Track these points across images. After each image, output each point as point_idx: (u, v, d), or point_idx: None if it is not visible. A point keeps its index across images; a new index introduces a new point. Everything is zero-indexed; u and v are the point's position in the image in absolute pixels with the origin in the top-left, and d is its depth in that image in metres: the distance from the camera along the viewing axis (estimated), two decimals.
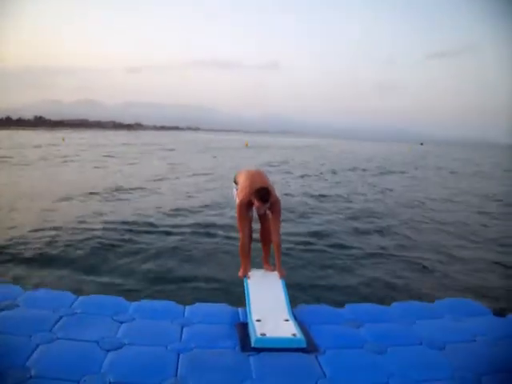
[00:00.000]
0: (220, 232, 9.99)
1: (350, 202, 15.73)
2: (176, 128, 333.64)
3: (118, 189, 16.18)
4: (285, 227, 7.67)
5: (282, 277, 4.51)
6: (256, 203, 4.40)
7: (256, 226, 4.94)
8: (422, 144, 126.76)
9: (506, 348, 3.67)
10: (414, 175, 28.26)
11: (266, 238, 4.87)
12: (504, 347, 3.68)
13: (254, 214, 4.82)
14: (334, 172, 27.63)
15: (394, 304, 4.53)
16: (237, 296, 4.95)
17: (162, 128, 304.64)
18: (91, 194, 14.79)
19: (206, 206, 13.39)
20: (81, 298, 4.13)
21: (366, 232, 10.97)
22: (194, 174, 23.00)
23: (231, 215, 11.14)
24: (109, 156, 33.93)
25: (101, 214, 11.42)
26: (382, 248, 9.51)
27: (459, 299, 4.88)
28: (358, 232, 10.94)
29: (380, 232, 11.01)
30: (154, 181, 19.46)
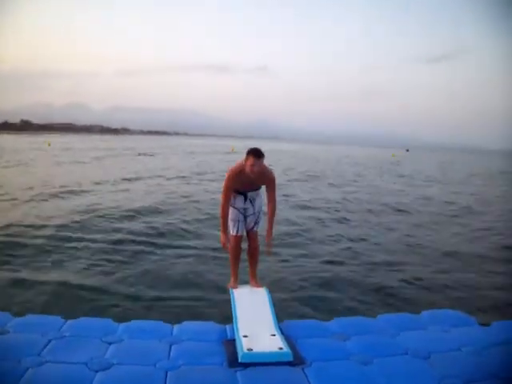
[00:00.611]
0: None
1: None
2: (164, 133, 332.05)
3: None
4: None
5: (269, 246, 4.76)
6: (251, 162, 4.42)
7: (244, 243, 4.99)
8: (407, 150, 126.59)
9: (491, 356, 3.72)
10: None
11: (253, 255, 4.93)
12: (489, 355, 3.73)
13: (244, 233, 4.89)
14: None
15: (380, 316, 4.58)
16: None
17: (149, 133, 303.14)
18: None
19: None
20: (69, 321, 4.14)
21: None
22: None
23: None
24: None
25: None
26: None
27: (445, 310, 4.92)
28: None
29: None
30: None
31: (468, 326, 4.35)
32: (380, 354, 3.72)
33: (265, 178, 4.63)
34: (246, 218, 4.82)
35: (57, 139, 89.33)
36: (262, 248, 4.96)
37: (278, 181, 4.81)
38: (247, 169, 4.47)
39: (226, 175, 4.61)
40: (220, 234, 4.73)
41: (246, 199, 4.75)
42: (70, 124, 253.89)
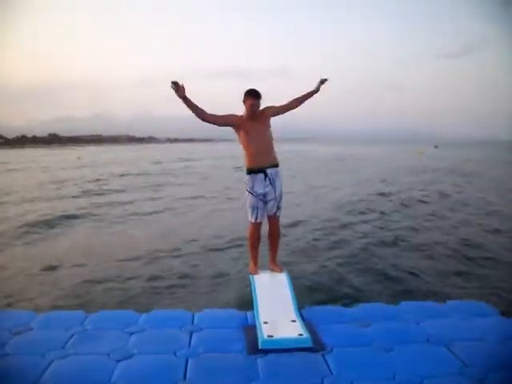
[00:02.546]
0: None
1: None
2: (190, 140, 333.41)
3: None
4: None
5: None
6: (250, 102, 4.46)
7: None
8: (436, 147, 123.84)
9: None
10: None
11: (274, 239, 4.86)
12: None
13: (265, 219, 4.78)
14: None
15: (403, 303, 4.54)
16: None
17: (176, 140, 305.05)
18: None
19: None
20: (91, 315, 4.21)
21: None
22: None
23: None
24: None
25: None
26: None
27: (468, 301, 4.86)
28: None
29: None
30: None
31: (492, 317, 4.27)
32: (401, 341, 3.69)
33: (263, 114, 4.61)
34: (266, 203, 4.69)
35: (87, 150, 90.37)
36: None
37: None
38: (247, 110, 4.51)
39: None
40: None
41: (265, 177, 4.59)
42: (98, 136, 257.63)
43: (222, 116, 4.54)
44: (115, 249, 11.21)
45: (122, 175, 34.67)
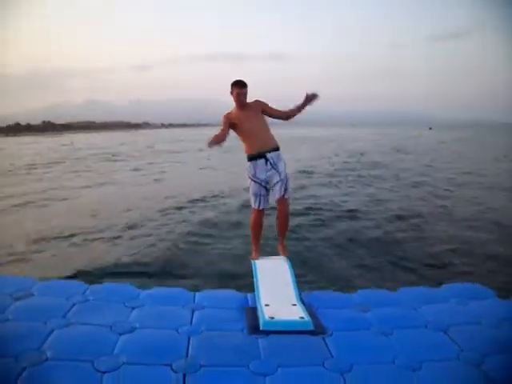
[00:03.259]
0: None
1: None
2: (184, 125, 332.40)
3: None
4: None
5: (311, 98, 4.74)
6: (237, 91, 4.56)
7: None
8: (430, 128, 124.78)
9: (510, 329, 3.71)
10: None
11: (282, 222, 4.82)
12: (508, 329, 3.72)
13: (271, 200, 4.82)
14: None
15: (401, 289, 4.60)
16: None
17: (171, 125, 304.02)
18: None
19: None
20: (92, 286, 4.23)
21: None
22: None
23: None
24: None
25: None
26: None
27: (465, 284, 4.89)
28: None
29: None
30: None
31: (488, 299, 4.33)
32: (400, 326, 3.74)
33: (255, 106, 4.70)
34: (269, 190, 4.74)
35: (94, 137, 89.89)
36: None
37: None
38: (235, 99, 4.60)
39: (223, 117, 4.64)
40: (217, 134, 4.38)
41: (266, 162, 4.60)
42: (92, 122, 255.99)
43: (224, 127, 4.54)
44: None
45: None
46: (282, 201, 4.68)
